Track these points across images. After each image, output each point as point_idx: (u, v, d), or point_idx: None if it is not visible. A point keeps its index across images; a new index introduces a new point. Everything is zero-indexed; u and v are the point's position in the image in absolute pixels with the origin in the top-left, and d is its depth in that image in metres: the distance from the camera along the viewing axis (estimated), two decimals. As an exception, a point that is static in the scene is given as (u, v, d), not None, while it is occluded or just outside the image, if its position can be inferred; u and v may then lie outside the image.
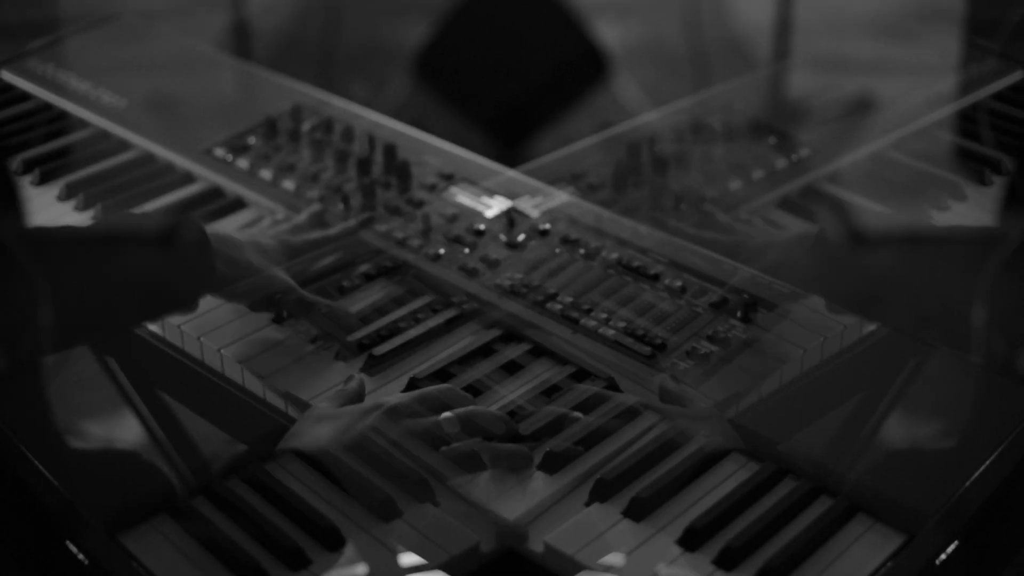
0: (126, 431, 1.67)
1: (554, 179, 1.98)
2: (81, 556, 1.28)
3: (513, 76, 3.67)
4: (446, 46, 3.62)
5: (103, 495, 1.37)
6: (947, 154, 2.11)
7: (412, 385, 1.54)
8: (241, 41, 3.55)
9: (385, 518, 1.34)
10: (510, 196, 1.91)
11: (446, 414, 1.43)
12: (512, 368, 1.57)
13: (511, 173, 1.97)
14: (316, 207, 1.88)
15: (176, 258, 1.58)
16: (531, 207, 1.89)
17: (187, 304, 1.61)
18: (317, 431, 1.44)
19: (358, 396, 1.51)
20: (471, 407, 1.46)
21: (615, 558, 1.28)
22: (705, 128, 2.14)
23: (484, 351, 1.61)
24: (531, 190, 1.92)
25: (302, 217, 1.84)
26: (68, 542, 1.29)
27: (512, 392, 1.52)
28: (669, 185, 1.96)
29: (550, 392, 1.53)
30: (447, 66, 3.64)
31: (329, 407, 1.48)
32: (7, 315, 1.52)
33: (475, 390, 1.53)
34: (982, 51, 2.41)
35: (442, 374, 1.56)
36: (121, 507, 1.34)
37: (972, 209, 1.98)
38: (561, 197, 1.92)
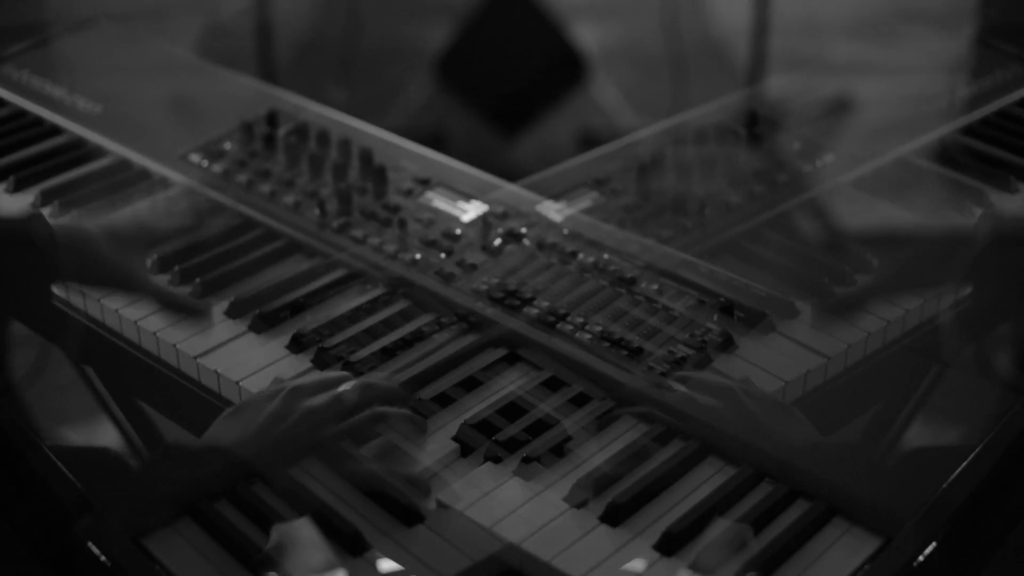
0: (103, 438, 1.67)
1: (576, 184, 1.99)
2: (104, 559, 1.28)
3: (512, 76, 3.70)
4: (462, 52, 3.65)
5: (126, 497, 1.37)
6: (972, 160, 2.09)
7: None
8: (262, 43, 3.55)
9: (408, 523, 1.34)
10: (532, 201, 1.92)
11: (344, 386, 1.48)
12: (488, 373, 1.57)
13: (511, 187, 1.97)
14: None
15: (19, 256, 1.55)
16: (554, 212, 1.88)
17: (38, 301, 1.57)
18: (228, 424, 1.46)
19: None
20: (366, 379, 1.51)
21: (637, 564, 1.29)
22: (729, 133, 2.14)
23: (461, 356, 1.61)
24: (528, 201, 1.92)
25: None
26: (90, 544, 1.29)
27: (484, 400, 1.53)
28: (693, 190, 1.95)
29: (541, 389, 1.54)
30: (463, 70, 3.67)
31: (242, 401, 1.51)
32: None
33: (447, 398, 1.53)
34: (1004, 56, 2.40)
35: (420, 379, 1.56)
36: (144, 510, 1.34)
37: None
38: (584, 202, 1.93)
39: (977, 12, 2.62)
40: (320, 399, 1.46)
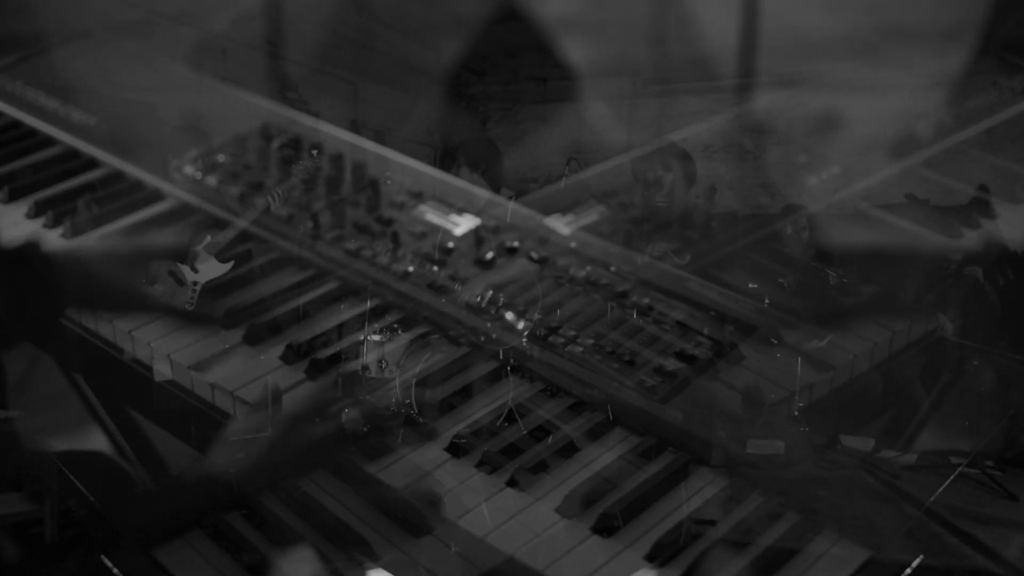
0: (94, 446, 1.67)
1: (584, 198, 2.00)
2: (116, 570, 1.29)
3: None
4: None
5: (138, 510, 1.39)
6: (978, 171, 2.11)
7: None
8: (268, 55, 3.54)
9: (416, 534, 1.35)
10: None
11: (347, 414, 1.50)
12: (481, 386, 1.59)
13: (512, 205, 1.98)
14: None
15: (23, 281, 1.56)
16: (562, 225, 1.90)
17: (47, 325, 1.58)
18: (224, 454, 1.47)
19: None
20: (364, 401, 1.53)
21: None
22: (736, 146, 2.15)
23: (454, 367, 1.62)
24: (523, 216, 1.93)
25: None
26: (103, 557, 1.30)
27: (479, 410, 1.54)
28: (697, 203, 1.97)
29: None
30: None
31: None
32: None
33: (443, 407, 1.55)
34: (1013, 68, 2.41)
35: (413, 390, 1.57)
36: (156, 522, 1.35)
37: (1002, 226, 1.99)
38: (591, 216, 1.95)
39: (977, 27, 2.63)
40: (323, 428, 1.49)
